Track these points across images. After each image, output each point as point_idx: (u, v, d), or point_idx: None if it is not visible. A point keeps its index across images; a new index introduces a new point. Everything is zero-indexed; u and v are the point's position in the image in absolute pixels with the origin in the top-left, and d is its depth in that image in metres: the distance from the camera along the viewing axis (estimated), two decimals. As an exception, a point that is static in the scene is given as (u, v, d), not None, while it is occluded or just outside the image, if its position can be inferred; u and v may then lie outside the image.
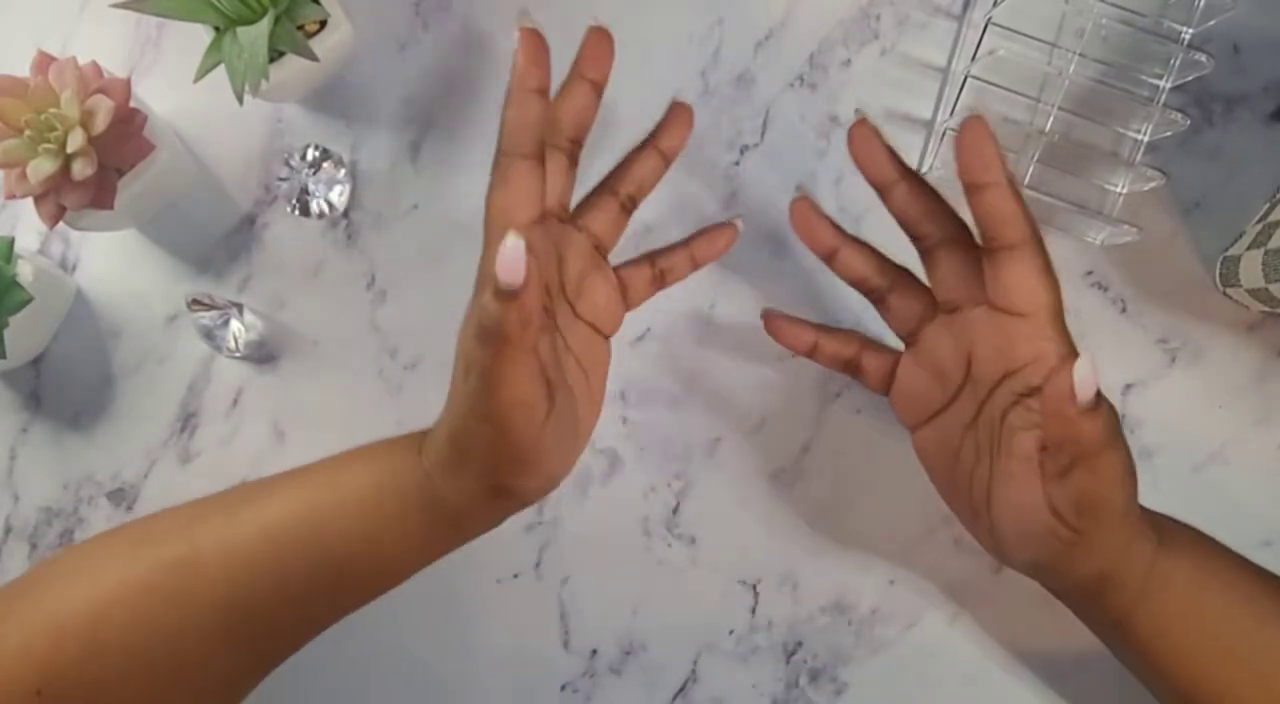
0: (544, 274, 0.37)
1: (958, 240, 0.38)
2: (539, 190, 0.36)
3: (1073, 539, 0.35)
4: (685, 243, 0.43)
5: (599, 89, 0.39)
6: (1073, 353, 0.36)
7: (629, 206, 0.42)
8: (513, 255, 0.30)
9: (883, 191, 0.39)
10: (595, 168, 0.43)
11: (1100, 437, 0.33)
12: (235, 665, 0.37)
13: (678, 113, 0.42)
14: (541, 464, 0.35)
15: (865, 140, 0.38)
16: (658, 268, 0.42)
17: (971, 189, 0.35)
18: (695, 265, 0.43)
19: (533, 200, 0.36)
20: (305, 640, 0.39)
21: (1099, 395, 0.32)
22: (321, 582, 0.37)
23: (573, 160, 0.39)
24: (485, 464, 0.35)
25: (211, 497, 0.40)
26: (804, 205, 0.41)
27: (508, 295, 0.30)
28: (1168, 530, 0.39)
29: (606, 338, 0.42)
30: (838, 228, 0.41)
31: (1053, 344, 0.36)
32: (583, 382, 0.40)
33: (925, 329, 0.40)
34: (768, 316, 0.44)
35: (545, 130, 0.36)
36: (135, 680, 0.35)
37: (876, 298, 0.41)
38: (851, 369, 0.43)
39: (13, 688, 0.34)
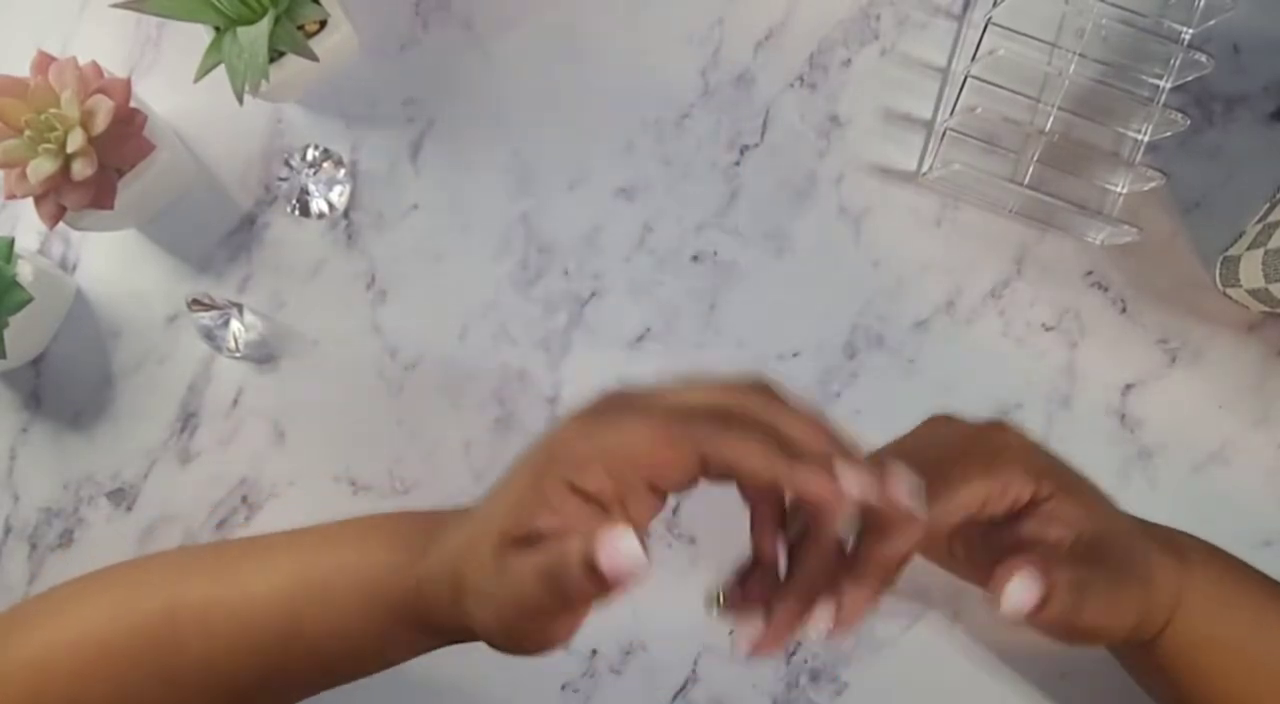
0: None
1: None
2: (678, 485, 0.34)
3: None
4: None
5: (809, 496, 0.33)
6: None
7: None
8: (629, 558, 0.29)
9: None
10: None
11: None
12: None
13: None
14: (545, 645, 0.33)
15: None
16: None
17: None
18: None
19: (677, 482, 0.33)
20: None
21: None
22: (298, 665, 0.36)
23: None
24: (483, 629, 0.33)
25: (205, 550, 0.39)
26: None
27: (599, 581, 0.29)
28: (1183, 549, 0.39)
29: None
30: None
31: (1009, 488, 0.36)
32: None
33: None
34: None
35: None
36: None
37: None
38: None
39: None
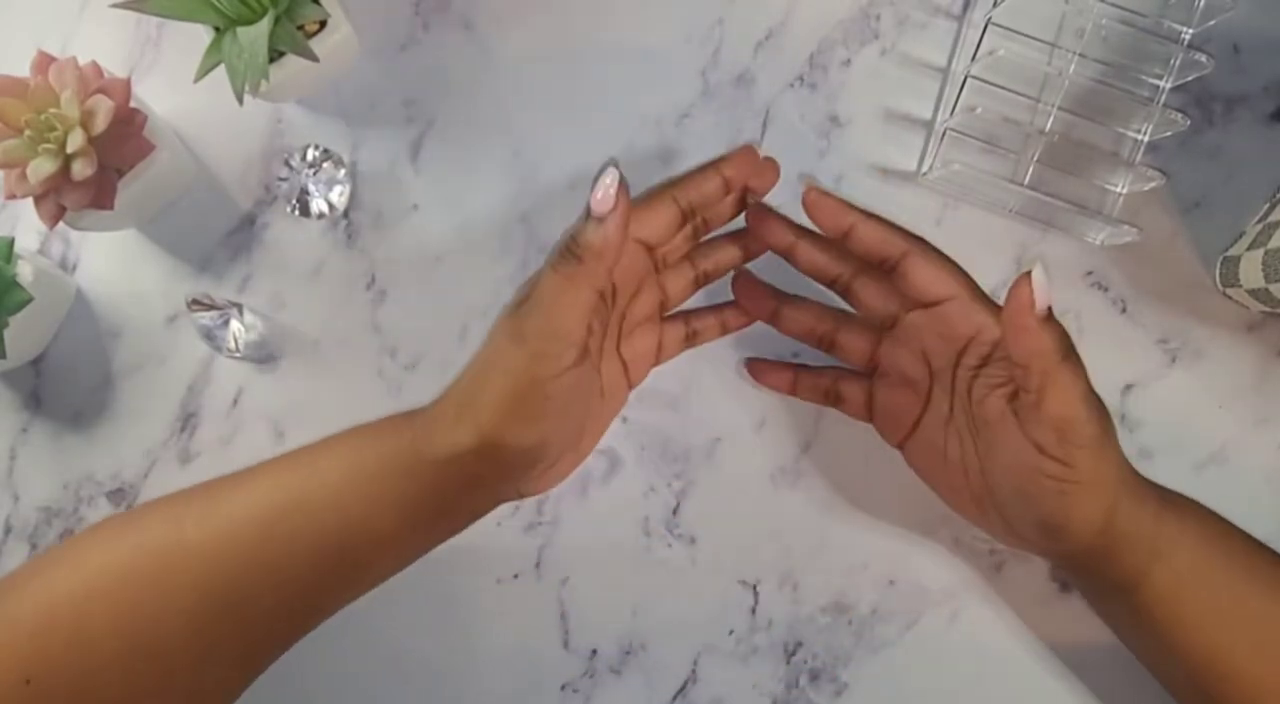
0: (622, 278, 0.40)
1: (864, 269, 0.42)
2: (666, 234, 0.41)
3: (1063, 473, 0.36)
4: (719, 308, 0.46)
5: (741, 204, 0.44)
6: (998, 309, 0.38)
7: (701, 281, 0.45)
8: (608, 187, 0.34)
9: (787, 254, 0.43)
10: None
11: (1058, 345, 0.35)
12: (221, 657, 0.37)
13: (770, 219, 0.43)
14: (541, 425, 0.37)
15: (755, 217, 0.43)
16: (691, 327, 0.46)
17: (842, 238, 0.41)
18: (725, 331, 0.46)
19: (658, 234, 0.41)
20: (294, 636, 0.39)
21: (1051, 314, 0.35)
22: (303, 565, 0.37)
23: (696, 236, 0.44)
24: (488, 410, 0.36)
25: (202, 483, 0.40)
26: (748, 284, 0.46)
27: (596, 221, 0.34)
28: (1169, 495, 0.40)
29: (630, 386, 0.44)
30: (774, 290, 0.46)
31: (982, 313, 0.39)
32: (597, 406, 0.42)
33: (879, 351, 0.43)
34: (751, 365, 0.48)
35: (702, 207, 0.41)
36: (121, 669, 0.35)
37: (828, 344, 0.45)
38: (832, 399, 0.46)
39: (1, 677, 0.34)
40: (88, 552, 0.38)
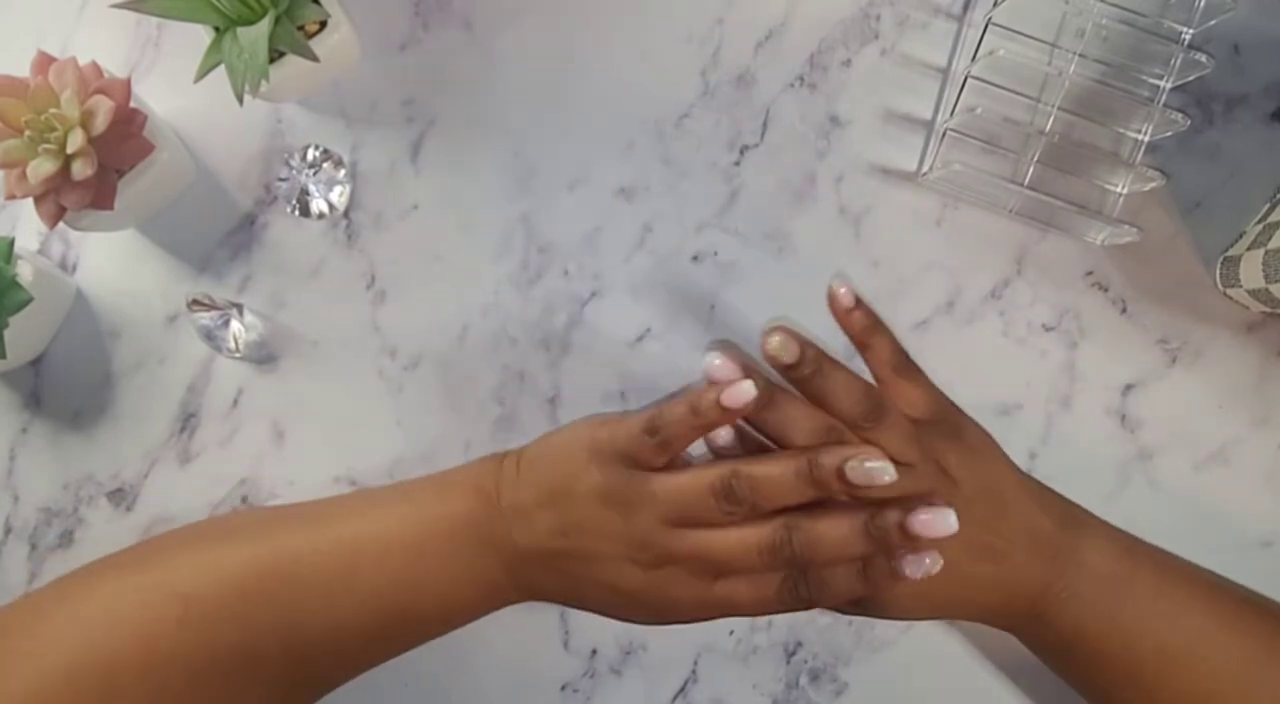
0: None
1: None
2: None
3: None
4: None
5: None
6: None
7: None
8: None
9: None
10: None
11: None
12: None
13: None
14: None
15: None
16: None
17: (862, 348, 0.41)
18: None
19: None
20: (329, 684, 0.39)
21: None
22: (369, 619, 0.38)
23: None
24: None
25: (286, 511, 0.40)
26: None
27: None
28: (1058, 546, 0.39)
29: None
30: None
31: None
32: None
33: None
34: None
35: None
36: None
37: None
38: None
39: None
40: (134, 620, 0.36)
